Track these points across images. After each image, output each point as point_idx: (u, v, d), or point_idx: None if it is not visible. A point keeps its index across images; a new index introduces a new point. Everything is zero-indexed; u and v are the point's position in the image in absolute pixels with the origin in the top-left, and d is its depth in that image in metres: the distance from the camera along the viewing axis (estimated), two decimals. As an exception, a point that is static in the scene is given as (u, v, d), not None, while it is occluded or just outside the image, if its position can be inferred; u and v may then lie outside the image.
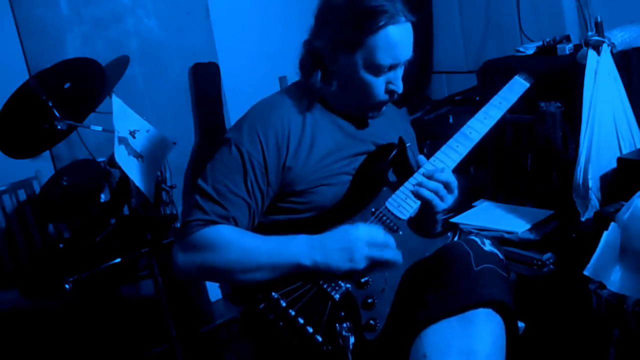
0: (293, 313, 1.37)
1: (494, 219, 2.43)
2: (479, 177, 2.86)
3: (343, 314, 1.36)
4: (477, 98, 2.96)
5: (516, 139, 2.64)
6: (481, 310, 1.29)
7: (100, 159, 2.70)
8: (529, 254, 2.21)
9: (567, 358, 2.05)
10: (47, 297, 2.54)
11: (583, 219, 2.28)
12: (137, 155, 2.22)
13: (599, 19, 2.25)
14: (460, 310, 1.29)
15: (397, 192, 1.50)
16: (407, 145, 1.62)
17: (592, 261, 1.83)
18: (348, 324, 1.33)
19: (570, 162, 2.32)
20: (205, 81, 3.44)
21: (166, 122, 3.15)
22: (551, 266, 2.17)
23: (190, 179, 3.38)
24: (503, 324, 1.32)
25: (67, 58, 2.53)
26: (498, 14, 3.24)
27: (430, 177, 1.48)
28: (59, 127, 2.32)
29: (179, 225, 2.54)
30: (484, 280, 1.31)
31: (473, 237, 1.40)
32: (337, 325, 1.33)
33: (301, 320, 1.36)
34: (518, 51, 2.72)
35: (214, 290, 3.40)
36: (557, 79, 2.40)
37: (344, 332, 1.31)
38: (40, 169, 2.98)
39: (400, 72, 1.53)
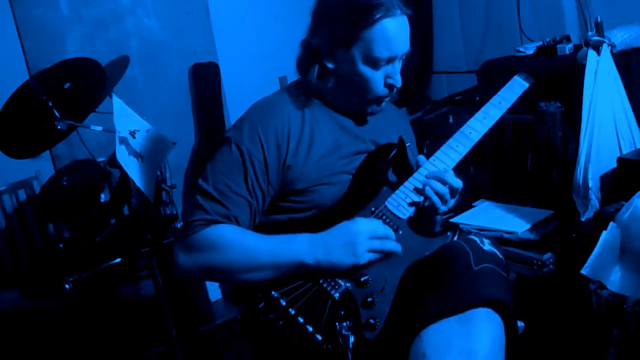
0: (293, 312, 1.37)
1: (493, 219, 2.43)
2: (479, 177, 2.87)
3: (343, 312, 1.37)
4: (477, 98, 2.96)
5: (516, 138, 2.64)
6: (481, 309, 1.29)
7: (100, 159, 2.70)
8: (529, 254, 2.21)
9: (567, 358, 2.05)
10: (47, 297, 2.54)
11: (583, 219, 2.28)
12: (137, 155, 2.22)
13: (599, 19, 2.25)
14: (460, 309, 1.29)
15: (397, 191, 1.50)
16: (407, 145, 1.62)
17: (589, 261, 1.83)
18: (348, 323, 1.33)
19: (570, 162, 2.32)
20: (205, 81, 3.44)
21: (166, 122, 3.15)
22: (551, 266, 2.17)
23: (190, 179, 3.38)
24: (502, 324, 1.32)
25: (67, 58, 2.53)
26: (498, 14, 3.24)
27: (439, 180, 1.48)
28: (59, 127, 2.32)
29: (179, 225, 2.54)
30: (484, 280, 1.31)
31: (472, 237, 1.40)
32: (336, 324, 1.33)
33: (301, 319, 1.37)
34: (518, 51, 2.72)
35: (214, 290, 3.40)
36: (557, 79, 2.40)
37: (343, 331, 1.31)
38: (40, 169, 2.98)
39: (398, 66, 1.53)
